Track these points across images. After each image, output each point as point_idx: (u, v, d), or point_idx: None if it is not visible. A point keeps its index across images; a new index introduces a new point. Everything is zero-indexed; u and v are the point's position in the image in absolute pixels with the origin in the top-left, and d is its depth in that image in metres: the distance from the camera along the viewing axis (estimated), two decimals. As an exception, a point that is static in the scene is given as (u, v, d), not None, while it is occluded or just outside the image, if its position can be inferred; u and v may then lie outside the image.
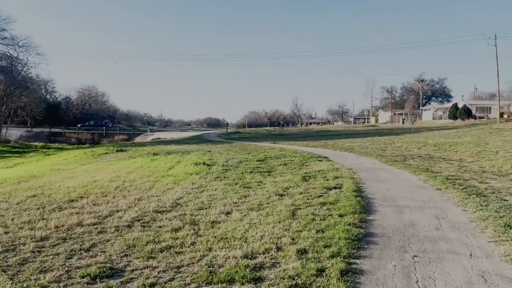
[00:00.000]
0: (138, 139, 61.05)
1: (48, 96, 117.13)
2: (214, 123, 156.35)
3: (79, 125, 76.35)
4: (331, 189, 10.87)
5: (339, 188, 11.06)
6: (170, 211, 8.78)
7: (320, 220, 7.59)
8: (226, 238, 6.61)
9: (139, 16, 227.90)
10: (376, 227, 7.22)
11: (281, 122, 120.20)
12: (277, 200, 9.59)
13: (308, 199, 9.57)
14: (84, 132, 70.46)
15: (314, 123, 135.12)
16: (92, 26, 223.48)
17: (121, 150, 29.96)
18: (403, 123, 79.35)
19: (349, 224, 7.20)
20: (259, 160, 18.00)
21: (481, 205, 8.74)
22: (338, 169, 15.03)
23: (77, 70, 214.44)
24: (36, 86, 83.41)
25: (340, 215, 7.89)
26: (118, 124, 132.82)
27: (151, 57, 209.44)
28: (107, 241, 6.76)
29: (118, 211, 8.82)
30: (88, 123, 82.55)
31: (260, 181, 12.44)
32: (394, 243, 6.38)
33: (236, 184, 11.95)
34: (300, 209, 8.57)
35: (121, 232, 7.25)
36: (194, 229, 7.20)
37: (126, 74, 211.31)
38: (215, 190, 11.04)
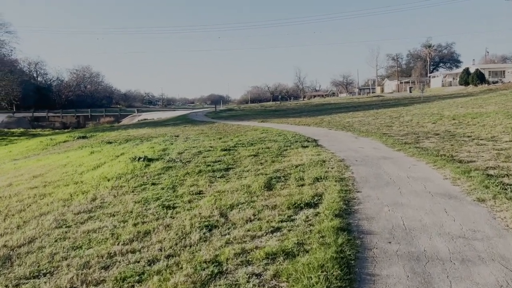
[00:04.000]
0: (124, 121, 56.75)
1: (40, 79, 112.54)
2: (218, 100, 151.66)
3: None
4: (301, 208, 6.52)
5: (316, 205, 6.68)
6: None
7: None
8: None
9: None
10: None
11: (280, 96, 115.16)
12: (194, 244, 5.24)
13: (252, 240, 5.24)
14: (69, 116, 66.02)
15: (318, 95, 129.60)
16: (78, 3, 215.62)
17: (83, 137, 25.68)
18: (410, 91, 74.09)
19: None
20: (225, 150, 13.60)
21: None
22: (324, 161, 10.61)
23: (69, 51, 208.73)
24: (16, 67, 78.34)
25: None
26: (117, 105, 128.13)
27: (146, 31, 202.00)
28: None
29: None
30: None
31: (200, 192, 8.08)
32: None
33: (158, 199, 7.61)
34: (221, 278, 4.22)
35: None
36: None
37: (122, 51, 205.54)
38: (111, 217, 6.70)
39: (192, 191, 8.09)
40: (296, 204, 6.68)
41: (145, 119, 50.91)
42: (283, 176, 9.07)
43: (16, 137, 40.36)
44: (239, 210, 6.59)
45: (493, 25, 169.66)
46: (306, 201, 6.82)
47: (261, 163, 11.05)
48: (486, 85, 60.22)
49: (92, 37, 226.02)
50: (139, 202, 7.51)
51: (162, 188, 8.48)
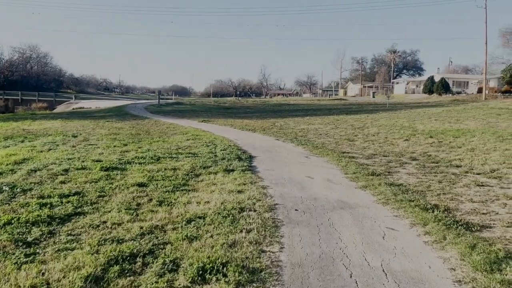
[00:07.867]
0: (59, 108, 50.49)
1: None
2: (180, 91, 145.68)
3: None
4: None
5: None
6: None
7: None
8: None
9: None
10: None
11: (241, 92, 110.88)
12: None
13: None
14: (-4, 98, 58.72)
15: (282, 94, 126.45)
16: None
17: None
18: (373, 96, 71.44)
19: None
20: (108, 169, 9.01)
21: None
22: (243, 209, 6.23)
23: (21, 29, 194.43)
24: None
25: None
26: (67, 89, 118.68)
27: (101, 9, 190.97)
28: None
29: None
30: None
31: None
32: None
33: None
34: None
35: None
36: None
37: (77, 31, 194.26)
38: None
39: None
40: None
41: (81, 107, 45.05)
42: (146, 254, 4.58)
43: None
44: None
45: (458, 34, 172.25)
46: None
47: (138, 204, 6.55)
48: (450, 95, 58.16)
49: (50, 16, 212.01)
50: None
51: None
